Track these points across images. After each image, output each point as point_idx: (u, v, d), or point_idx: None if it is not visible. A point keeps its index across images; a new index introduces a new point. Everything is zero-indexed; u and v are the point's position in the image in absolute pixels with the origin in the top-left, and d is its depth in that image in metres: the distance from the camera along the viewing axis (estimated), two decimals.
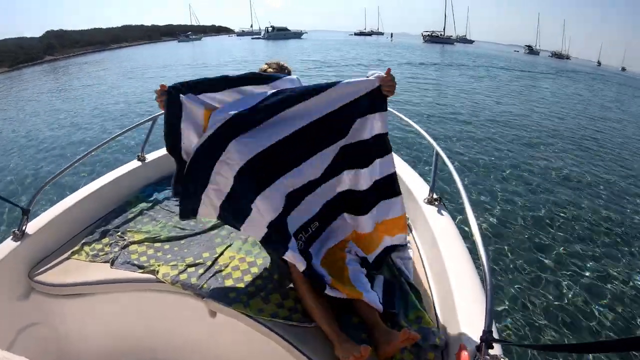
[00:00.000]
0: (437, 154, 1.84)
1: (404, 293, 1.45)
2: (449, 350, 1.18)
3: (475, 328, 1.01)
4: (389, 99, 1.46)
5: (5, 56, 34.96)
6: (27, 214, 1.62)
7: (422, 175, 2.17)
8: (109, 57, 37.99)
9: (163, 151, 2.52)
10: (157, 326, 1.73)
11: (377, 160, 1.53)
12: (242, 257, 1.65)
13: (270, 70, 1.68)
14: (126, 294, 1.61)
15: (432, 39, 79.99)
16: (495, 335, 0.94)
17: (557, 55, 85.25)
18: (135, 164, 2.33)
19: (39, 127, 9.75)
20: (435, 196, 1.84)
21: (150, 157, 2.42)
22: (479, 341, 0.93)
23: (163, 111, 1.32)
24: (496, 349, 0.93)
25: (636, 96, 22.68)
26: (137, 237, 1.81)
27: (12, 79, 24.95)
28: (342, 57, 28.87)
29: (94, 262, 1.67)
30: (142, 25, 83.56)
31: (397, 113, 2.50)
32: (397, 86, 1.45)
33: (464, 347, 1.03)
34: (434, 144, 1.90)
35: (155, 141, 2.10)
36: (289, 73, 1.66)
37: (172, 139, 1.33)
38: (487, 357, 0.91)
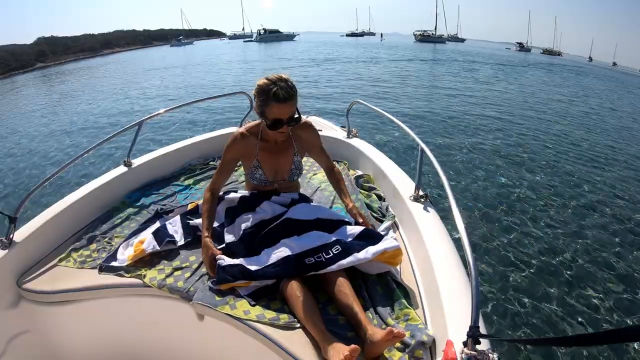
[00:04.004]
0: (422, 150, 1.85)
1: (391, 291, 1.46)
2: (437, 346, 1.19)
3: (462, 324, 1.01)
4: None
5: None
6: (14, 222, 1.61)
7: (408, 172, 2.17)
8: (101, 63, 37.83)
9: (149, 156, 2.52)
10: (145, 330, 1.73)
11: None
12: None
13: (272, 86, 1.47)
14: (114, 299, 1.61)
15: (424, 38, 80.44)
16: (483, 330, 0.95)
17: (549, 52, 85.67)
18: (121, 169, 2.32)
19: (25, 134, 9.69)
20: (421, 193, 1.84)
21: (136, 162, 2.41)
22: (466, 337, 0.94)
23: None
24: (484, 344, 0.93)
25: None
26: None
27: (5, 86, 24.94)
28: (333, 59, 28.87)
29: (82, 268, 1.66)
30: (133, 30, 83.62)
31: (381, 111, 2.52)
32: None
33: (450, 343, 1.03)
34: (419, 140, 1.91)
35: (141, 146, 2.10)
36: (292, 86, 1.53)
37: None
38: (474, 352, 0.91)
